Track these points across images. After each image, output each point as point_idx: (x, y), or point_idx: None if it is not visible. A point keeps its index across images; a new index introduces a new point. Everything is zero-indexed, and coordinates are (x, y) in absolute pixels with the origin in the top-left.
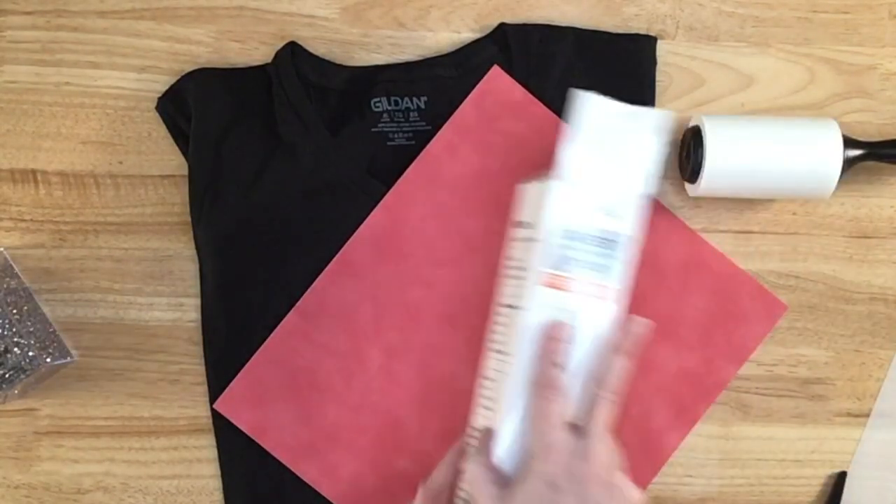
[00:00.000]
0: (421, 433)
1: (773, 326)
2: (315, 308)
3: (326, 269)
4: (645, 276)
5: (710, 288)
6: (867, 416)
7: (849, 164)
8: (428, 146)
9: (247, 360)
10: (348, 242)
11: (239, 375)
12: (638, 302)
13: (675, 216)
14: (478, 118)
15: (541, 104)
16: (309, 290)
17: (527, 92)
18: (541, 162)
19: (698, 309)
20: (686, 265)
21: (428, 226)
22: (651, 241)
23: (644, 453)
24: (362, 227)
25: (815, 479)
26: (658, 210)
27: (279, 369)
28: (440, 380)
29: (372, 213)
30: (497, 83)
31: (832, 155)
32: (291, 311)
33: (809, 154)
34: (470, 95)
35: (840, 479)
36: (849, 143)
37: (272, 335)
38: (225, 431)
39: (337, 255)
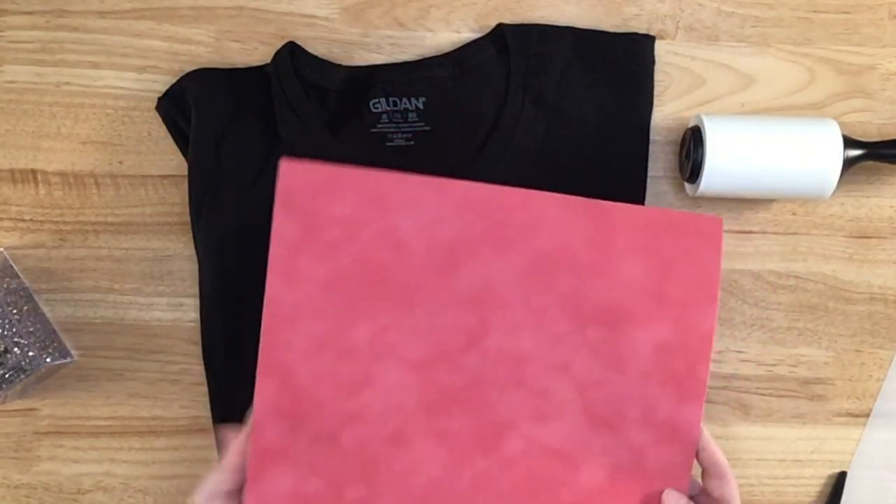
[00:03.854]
0: None
1: (721, 244)
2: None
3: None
4: (565, 275)
5: (633, 246)
6: (867, 416)
7: (849, 164)
8: (267, 289)
9: (246, 361)
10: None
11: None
12: (574, 304)
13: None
14: (296, 225)
15: (351, 169)
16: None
17: (331, 165)
18: (397, 224)
19: (635, 275)
20: (595, 241)
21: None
22: (540, 240)
23: (671, 446)
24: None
25: (815, 479)
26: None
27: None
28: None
29: (258, 382)
30: (291, 176)
31: (832, 155)
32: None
33: (809, 154)
34: (275, 207)
35: (840, 479)
36: (849, 143)
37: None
38: None
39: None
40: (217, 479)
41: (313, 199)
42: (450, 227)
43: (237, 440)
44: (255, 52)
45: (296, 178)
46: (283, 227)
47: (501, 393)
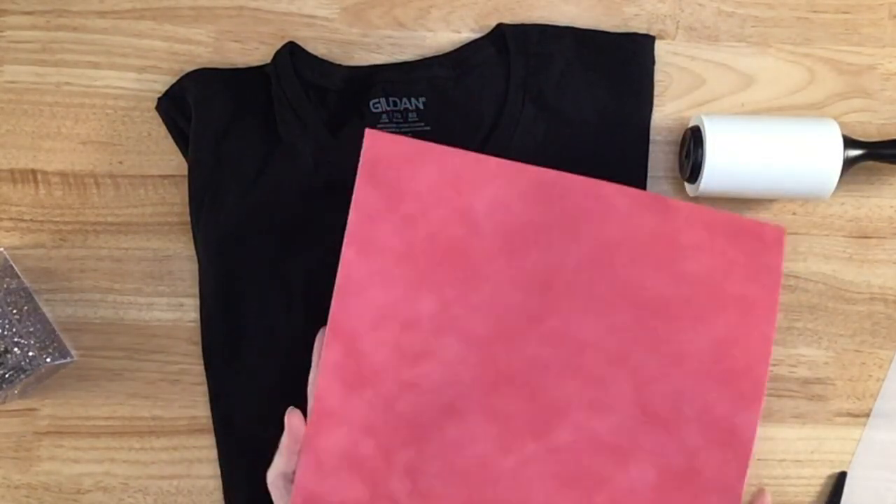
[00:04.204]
0: None
1: (783, 251)
2: None
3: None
4: (630, 265)
5: (698, 244)
6: (867, 416)
7: (849, 164)
8: (342, 256)
9: (246, 361)
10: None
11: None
12: (636, 295)
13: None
14: (379, 195)
15: (433, 145)
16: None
17: (413, 139)
18: (471, 204)
19: (699, 272)
20: (661, 234)
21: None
22: (608, 229)
23: (724, 449)
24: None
25: (815, 479)
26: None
27: None
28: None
29: (325, 345)
30: (378, 145)
31: (832, 155)
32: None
33: (809, 154)
34: (358, 175)
35: (840, 479)
36: (849, 143)
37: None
38: (225, 432)
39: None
40: (283, 461)
41: (396, 170)
42: (522, 210)
43: (302, 425)
44: (255, 52)
45: (381, 148)
46: (364, 196)
47: (557, 378)
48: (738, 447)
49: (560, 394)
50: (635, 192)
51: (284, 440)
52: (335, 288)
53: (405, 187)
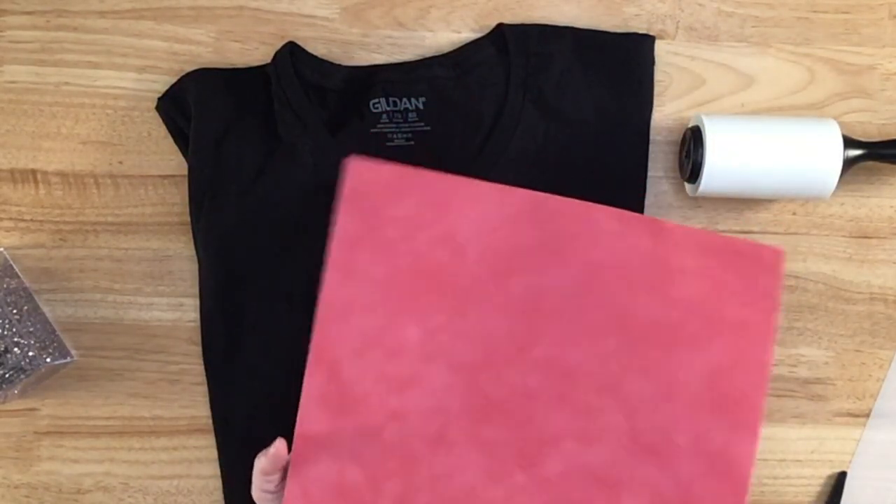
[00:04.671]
0: None
1: (782, 274)
2: None
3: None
4: (620, 290)
5: (692, 267)
6: (867, 416)
7: (849, 164)
8: (324, 283)
9: (246, 361)
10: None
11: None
12: (626, 321)
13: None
14: (361, 222)
15: (416, 170)
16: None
17: (395, 165)
18: (455, 228)
19: (692, 296)
20: (653, 258)
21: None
22: (598, 253)
23: (720, 480)
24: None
25: (815, 479)
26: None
27: None
28: None
29: (307, 372)
30: (361, 175)
31: (832, 155)
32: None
33: (809, 154)
34: (340, 204)
35: (840, 479)
36: (849, 143)
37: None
38: (224, 432)
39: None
40: (259, 481)
41: (377, 198)
42: (507, 234)
43: (285, 451)
44: (255, 52)
45: (362, 177)
46: (345, 224)
47: (546, 407)
48: (735, 478)
49: (549, 423)
50: (626, 215)
51: (263, 463)
52: (317, 314)
53: (387, 214)
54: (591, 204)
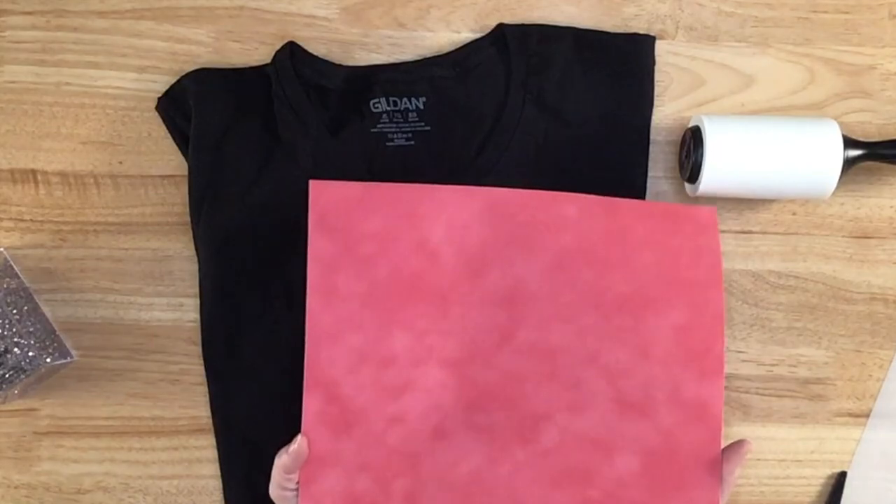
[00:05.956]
0: None
1: (717, 230)
2: None
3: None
4: (588, 269)
5: (645, 238)
6: (867, 416)
7: (849, 164)
8: (308, 308)
9: (246, 361)
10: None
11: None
12: (597, 296)
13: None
14: (334, 242)
15: (379, 184)
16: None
17: (358, 182)
18: (427, 234)
19: (650, 264)
20: (612, 234)
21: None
22: (563, 238)
23: (696, 424)
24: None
25: (815, 479)
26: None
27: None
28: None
29: (304, 395)
30: (325, 195)
31: (832, 155)
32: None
33: (809, 154)
34: (309, 227)
35: (840, 479)
36: (849, 143)
37: None
38: (224, 432)
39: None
40: (280, 478)
41: (346, 216)
42: (478, 232)
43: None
44: (255, 52)
45: (327, 197)
46: (318, 247)
47: (536, 386)
48: (709, 419)
49: (540, 400)
50: (582, 198)
51: (284, 460)
52: (306, 339)
53: (359, 230)
54: (553, 193)
